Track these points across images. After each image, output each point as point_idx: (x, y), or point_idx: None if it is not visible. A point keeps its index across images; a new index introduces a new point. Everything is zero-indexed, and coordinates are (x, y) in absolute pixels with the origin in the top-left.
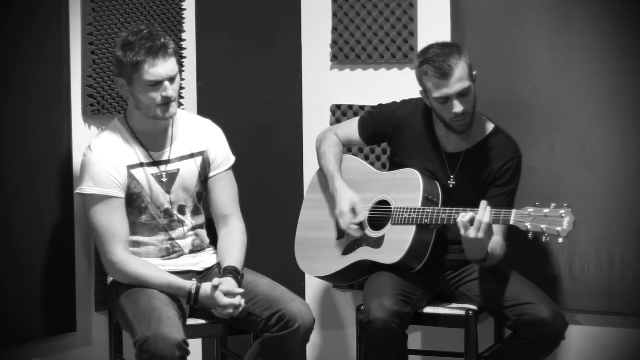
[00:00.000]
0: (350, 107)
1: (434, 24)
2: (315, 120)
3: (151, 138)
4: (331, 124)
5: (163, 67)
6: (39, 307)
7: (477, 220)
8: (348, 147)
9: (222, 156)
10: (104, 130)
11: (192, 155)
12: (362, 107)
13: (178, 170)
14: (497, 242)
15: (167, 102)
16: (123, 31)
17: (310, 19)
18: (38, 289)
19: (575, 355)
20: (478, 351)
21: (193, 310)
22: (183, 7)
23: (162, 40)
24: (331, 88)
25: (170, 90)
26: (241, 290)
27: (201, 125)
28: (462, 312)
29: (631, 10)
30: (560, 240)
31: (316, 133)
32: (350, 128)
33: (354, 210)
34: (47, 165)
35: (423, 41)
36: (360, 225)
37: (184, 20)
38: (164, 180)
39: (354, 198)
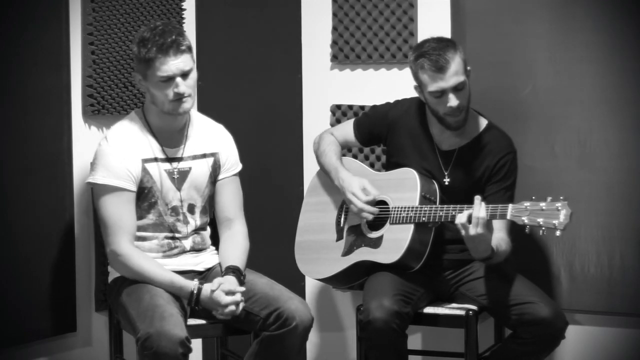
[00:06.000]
0: (350, 107)
1: (434, 24)
2: (315, 120)
3: (166, 134)
4: (331, 124)
5: (174, 64)
6: (39, 307)
7: (474, 217)
8: (345, 149)
9: (232, 160)
10: (122, 121)
11: (204, 156)
12: (362, 107)
13: (190, 168)
14: (501, 238)
15: (179, 98)
16: (142, 27)
17: (310, 19)
18: (38, 289)
19: (575, 355)
20: (478, 351)
21: (193, 310)
22: (183, 7)
23: (174, 36)
24: (331, 88)
25: (182, 86)
26: (242, 289)
27: (215, 128)
28: (462, 312)
29: (631, 10)
30: (558, 233)
31: (316, 133)
32: (347, 129)
33: (364, 191)
34: (47, 165)
35: None
36: (374, 204)
37: (184, 20)
38: (176, 177)
39: (363, 180)
